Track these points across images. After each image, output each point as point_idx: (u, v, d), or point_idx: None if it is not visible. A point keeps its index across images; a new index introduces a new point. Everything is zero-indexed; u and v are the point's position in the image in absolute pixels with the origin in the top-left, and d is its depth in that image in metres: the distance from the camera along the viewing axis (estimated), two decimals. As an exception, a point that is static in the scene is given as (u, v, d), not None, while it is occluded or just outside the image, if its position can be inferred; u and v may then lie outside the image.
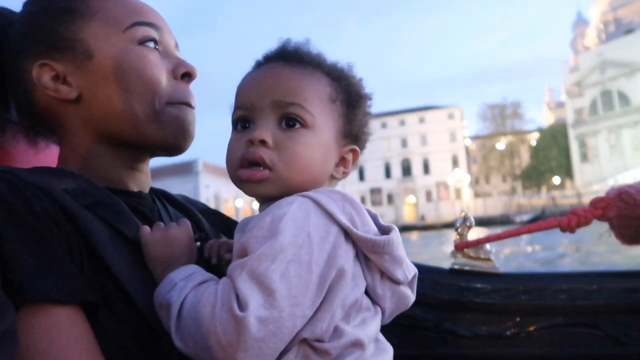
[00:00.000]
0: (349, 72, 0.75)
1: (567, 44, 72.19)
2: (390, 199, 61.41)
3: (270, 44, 0.76)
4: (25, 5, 0.81)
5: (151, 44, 0.79)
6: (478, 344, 1.12)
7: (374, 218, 0.70)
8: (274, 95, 0.69)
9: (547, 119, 77.73)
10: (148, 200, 0.84)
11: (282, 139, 0.68)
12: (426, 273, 1.18)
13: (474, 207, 55.39)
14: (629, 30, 54.70)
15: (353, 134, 0.74)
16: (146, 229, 0.71)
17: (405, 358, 1.13)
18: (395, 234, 0.67)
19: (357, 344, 0.62)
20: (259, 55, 0.76)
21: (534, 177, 63.68)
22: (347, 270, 0.62)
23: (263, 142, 0.67)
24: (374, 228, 0.67)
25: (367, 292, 0.67)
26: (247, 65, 0.77)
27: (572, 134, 59.29)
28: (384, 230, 0.68)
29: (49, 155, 0.89)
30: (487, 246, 1.15)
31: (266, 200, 0.70)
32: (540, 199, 52.85)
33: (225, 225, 0.95)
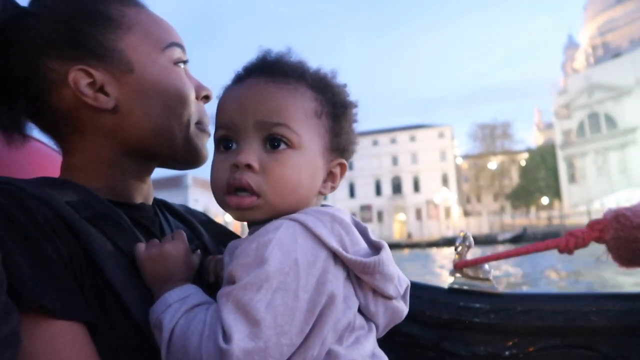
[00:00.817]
0: (332, 81, 0.73)
1: (559, 67, 73.32)
2: (380, 216, 61.44)
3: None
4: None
5: (181, 65, 0.83)
6: (476, 364, 1.12)
7: (364, 232, 0.69)
8: (257, 115, 0.66)
9: (536, 140, 78.45)
10: (150, 212, 0.84)
11: (267, 162, 0.66)
12: (425, 292, 1.18)
13: (461, 226, 55.51)
14: (617, 55, 55.67)
15: (340, 147, 0.72)
16: (141, 246, 0.70)
17: (403, 377, 1.13)
18: (385, 252, 0.66)
19: None
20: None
21: (522, 197, 64.09)
22: (338, 295, 0.61)
23: (249, 167, 0.65)
24: (364, 246, 0.66)
25: (359, 310, 0.67)
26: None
27: (560, 155, 59.85)
28: (374, 246, 0.68)
29: (25, 158, 0.88)
30: (486, 266, 1.16)
31: (255, 222, 0.69)
32: (524, 219, 53.19)
33: (226, 237, 0.95)
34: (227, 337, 0.55)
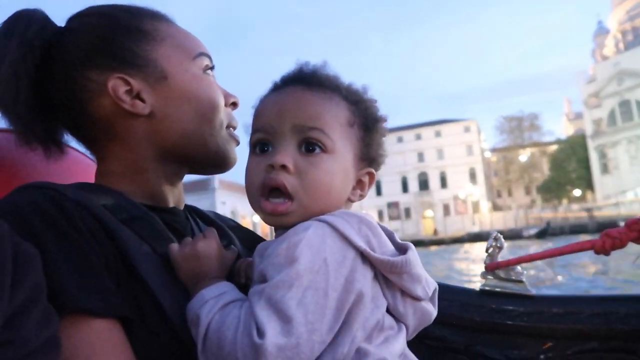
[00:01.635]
0: (365, 95, 0.76)
1: (589, 54, 71.51)
2: (407, 213, 61.07)
3: (292, 63, 0.78)
4: (84, 16, 0.84)
5: (210, 73, 0.88)
6: (511, 368, 1.10)
7: (390, 236, 0.71)
8: (295, 119, 0.70)
9: (566, 130, 76.85)
10: (181, 216, 0.87)
11: (302, 164, 0.69)
12: (456, 294, 1.16)
13: (490, 221, 54.67)
14: (648, 40, 54.05)
15: (370, 157, 0.76)
16: (174, 246, 0.73)
17: (436, 382, 1.11)
18: (412, 253, 0.68)
19: None
20: (278, 75, 0.78)
21: (554, 189, 62.76)
22: (366, 293, 0.63)
23: (284, 167, 0.68)
24: (391, 247, 0.68)
25: (388, 311, 0.68)
26: (269, 84, 0.79)
27: (591, 145, 58.50)
28: (401, 248, 0.69)
29: (62, 166, 0.91)
30: (519, 267, 1.13)
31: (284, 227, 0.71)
32: (549, 213, 51.94)
33: (255, 242, 0.96)
34: (260, 333, 0.57)
